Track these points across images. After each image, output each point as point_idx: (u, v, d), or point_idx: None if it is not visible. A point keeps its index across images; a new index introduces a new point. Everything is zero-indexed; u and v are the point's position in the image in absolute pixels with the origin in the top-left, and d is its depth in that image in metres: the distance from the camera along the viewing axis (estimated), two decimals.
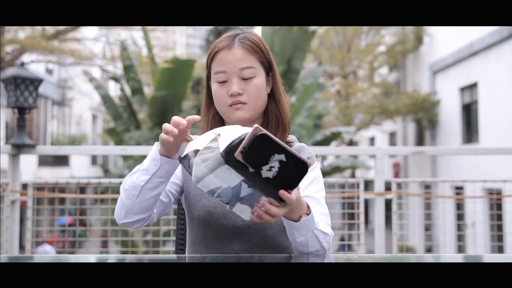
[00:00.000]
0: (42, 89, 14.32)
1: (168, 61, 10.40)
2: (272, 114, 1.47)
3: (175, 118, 1.24)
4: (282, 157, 1.07)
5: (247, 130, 1.10)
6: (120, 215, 1.37)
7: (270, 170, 1.07)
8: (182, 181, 1.51)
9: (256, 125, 1.07)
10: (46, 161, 17.04)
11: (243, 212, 1.17)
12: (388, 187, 3.38)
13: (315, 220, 1.29)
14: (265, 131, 1.06)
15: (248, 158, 1.06)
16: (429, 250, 10.49)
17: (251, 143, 1.05)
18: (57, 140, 19.15)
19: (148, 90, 13.63)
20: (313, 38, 12.43)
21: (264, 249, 1.43)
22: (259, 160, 1.07)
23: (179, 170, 1.50)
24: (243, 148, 1.05)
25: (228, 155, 1.07)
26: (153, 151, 1.32)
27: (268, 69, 1.47)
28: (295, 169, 1.09)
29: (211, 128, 1.45)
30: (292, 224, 1.26)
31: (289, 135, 1.51)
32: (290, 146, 1.45)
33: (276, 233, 1.44)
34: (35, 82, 3.38)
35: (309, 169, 1.11)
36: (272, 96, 1.49)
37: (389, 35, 17.62)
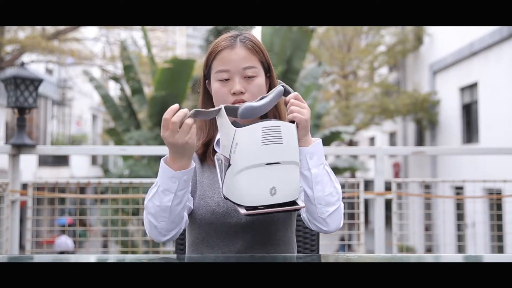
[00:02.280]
0: (42, 89, 14.33)
1: (168, 61, 10.39)
2: (269, 113, 1.47)
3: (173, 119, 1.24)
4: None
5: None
6: (158, 237, 1.36)
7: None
8: None
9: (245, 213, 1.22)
10: (46, 161, 17.04)
11: None
12: (388, 187, 3.38)
13: (325, 161, 1.37)
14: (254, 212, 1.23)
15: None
16: (429, 250, 10.49)
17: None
18: (57, 140, 19.15)
19: (148, 90, 13.63)
20: (313, 37, 12.40)
21: (266, 245, 1.44)
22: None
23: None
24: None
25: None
26: (164, 170, 1.30)
27: (267, 70, 1.49)
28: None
29: (210, 127, 1.50)
30: (304, 150, 1.32)
31: None
32: None
33: (278, 227, 1.45)
34: (35, 82, 3.38)
35: None
36: None
37: (389, 35, 17.61)
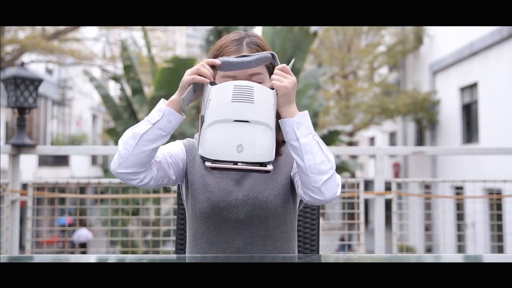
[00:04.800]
0: (42, 89, 14.33)
1: (168, 61, 10.39)
2: None
3: (209, 61, 1.33)
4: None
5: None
6: (115, 165, 1.34)
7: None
8: (187, 172, 1.50)
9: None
10: (46, 161, 17.04)
11: None
12: (388, 187, 3.38)
13: (314, 132, 1.36)
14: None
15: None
16: (429, 250, 10.49)
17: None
18: (57, 140, 19.15)
19: (148, 90, 13.63)
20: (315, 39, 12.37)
21: (266, 241, 1.44)
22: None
23: (184, 158, 1.51)
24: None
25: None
26: (158, 104, 1.35)
27: (272, 72, 1.47)
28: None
29: None
30: (290, 121, 1.31)
31: None
32: None
33: (278, 223, 1.45)
34: (35, 82, 3.38)
35: None
36: None
37: (389, 35, 17.61)
